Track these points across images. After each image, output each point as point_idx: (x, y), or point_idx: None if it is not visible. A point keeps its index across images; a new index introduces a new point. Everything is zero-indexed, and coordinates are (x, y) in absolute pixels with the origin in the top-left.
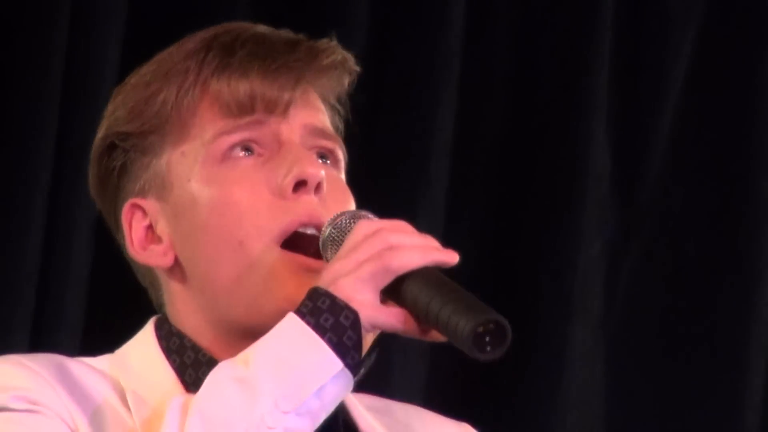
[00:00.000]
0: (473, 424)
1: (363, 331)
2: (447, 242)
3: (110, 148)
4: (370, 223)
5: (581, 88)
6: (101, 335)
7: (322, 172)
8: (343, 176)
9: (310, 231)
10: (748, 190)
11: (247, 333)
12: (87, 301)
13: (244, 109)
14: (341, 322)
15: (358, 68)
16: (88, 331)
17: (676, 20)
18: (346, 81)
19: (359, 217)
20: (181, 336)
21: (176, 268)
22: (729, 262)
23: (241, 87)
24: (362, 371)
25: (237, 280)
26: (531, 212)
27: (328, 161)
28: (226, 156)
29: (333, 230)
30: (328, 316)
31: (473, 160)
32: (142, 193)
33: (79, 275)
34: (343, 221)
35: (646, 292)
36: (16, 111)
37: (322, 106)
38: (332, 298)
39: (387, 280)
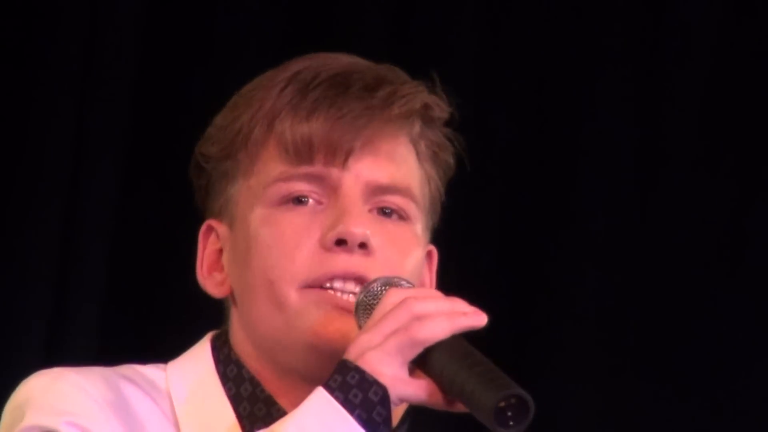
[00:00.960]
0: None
1: (392, 405)
2: (462, 247)
3: (198, 166)
4: (398, 292)
5: (595, 89)
6: (117, 336)
7: (367, 231)
8: (414, 230)
9: (339, 285)
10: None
11: (285, 369)
12: (104, 300)
13: (301, 156)
14: (370, 398)
15: (445, 114)
16: (104, 332)
17: (694, 24)
18: (433, 126)
19: (392, 284)
20: (239, 365)
21: (232, 298)
22: (739, 258)
23: (302, 132)
24: None
25: (271, 318)
26: (546, 216)
27: (393, 216)
28: (282, 201)
29: (365, 296)
30: (357, 392)
31: (484, 163)
32: (219, 216)
33: (96, 276)
34: (376, 287)
35: (652, 289)
36: (35, 111)
37: (399, 154)
38: (361, 373)
39: (414, 352)
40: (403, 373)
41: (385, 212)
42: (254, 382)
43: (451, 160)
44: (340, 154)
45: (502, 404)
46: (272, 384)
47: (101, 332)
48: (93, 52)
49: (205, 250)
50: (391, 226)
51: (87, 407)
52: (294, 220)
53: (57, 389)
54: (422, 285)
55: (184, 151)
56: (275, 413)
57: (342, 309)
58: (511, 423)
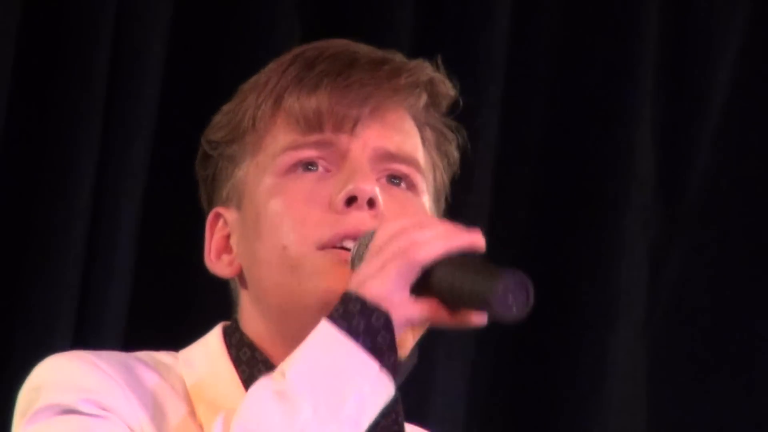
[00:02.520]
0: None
1: (396, 330)
2: (490, 249)
3: (204, 156)
4: (392, 224)
5: (625, 91)
6: (144, 326)
7: (376, 189)
8: (422, 200)
9: (350, 245)
10: None
11: (301, 336)
12: (131, 292)
13: (311, 125)
14: (373, 324)
15: (451, 91)
16: (132, 324)
17: (721, 24)
18: (439, 102)
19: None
20: (252, 347)
21: (242, 277)
22: None
23: (310, 103)
24: (404, 373)
25: (282, 281)
26: (574, 216)
27: (401, 184)
28: (291, 170)
29: (358, 247)
30: (360, 320)
31: (516, 164)
32: (226, 203)
33: (123, 266)
34: (368, 234)
35: (690, 298)
36: (62, 105)
37: (406, 126)
38: (362, 301)
39: (414, 274)
40: (405, 295)
41: (392, 181)
42: (268, 364)
43: (455, 154)
44: (348, 121)
45: (501, 289)
46: (277, 353)
47: (128, 323)
48: (120, 47)
49: (213, 237)
50: (399, 193)
51: (103, 384)
52: (303, 186)
53: (72, 368)
54: None
55: None
56: None
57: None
58: (513, 308)
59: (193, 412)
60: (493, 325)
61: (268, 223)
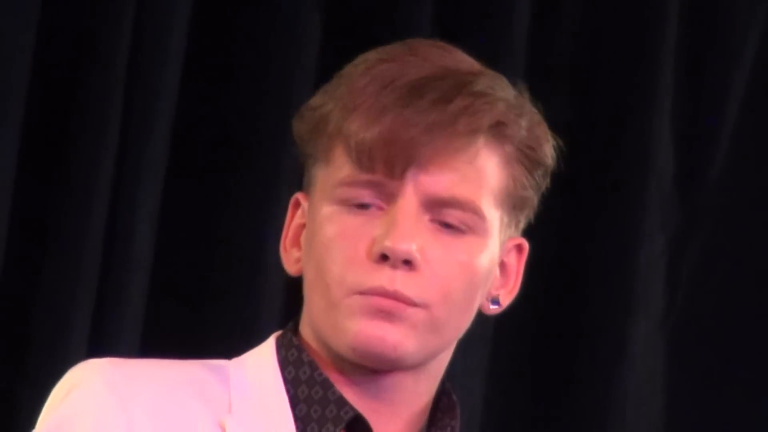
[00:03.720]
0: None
1: None
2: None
3: (296, 139)
4: None
5: (645, 83)
6: (163, 324)
7: (412, 247)
8: (477, 242)
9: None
10: None
11: (339, 357)
12: (149, 289)
13: (363, 164)
14: None
15: (522, 131)
16: (150, 321)
17: (743, 17)
18: (505, 142)
19: None
20: (300, 348)
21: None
22: None
23: (365, 140)
24: None
25: (325, 314)
26: (592, 207)
27: (452, 228)
28: (347, 203)
29: None
30: None
31: None
32: (306, 191)
33: (142, 264)
34: None
35: (709, 289)
36: (80, 100)
37: (461, 170)
38: None
39: None
40: None
41: (445, 225)
42: (313, 366)
43: (548, 160)
44: (399, 165)
45: None
46: (329, 368)
47: (146, 321)
48: (140, 42)
49: (292, 222)
50: (449, 238)
51: (113, 415)
52: (355, 224)
53: (99, 406)
54: (498, 284)
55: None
56: (330, 396)
57: (381, 313)
58: None
59: (221, 422)
60: (511, 317)
61: (320, 252)
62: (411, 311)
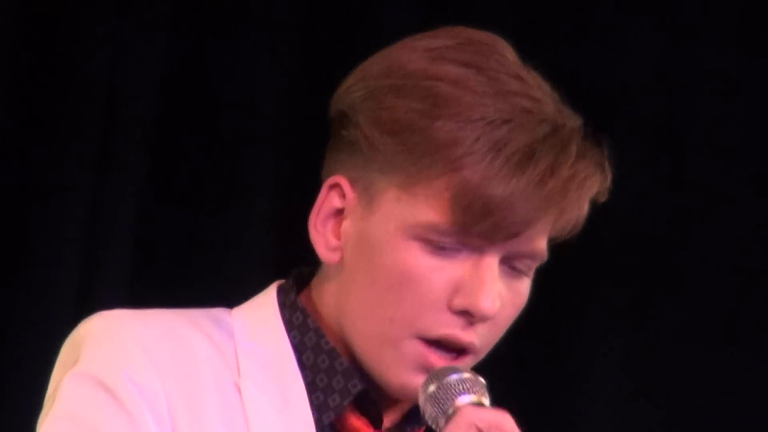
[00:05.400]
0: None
1: None
2: None
3: (345, 115)
4: (472, 415)
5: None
6: (148, 295)
7: (496, 307)
8: (529, 284)
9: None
10: None
11: (356, 356)
12: (134, 260)
13: (467, 225)
14: None
15: (605, 197)
16: (135, 294)
17: None
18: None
19: (466, 387)
20: (305, 313)
21: (338, 269)
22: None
23: (477, 206)
24: None
25: (372, 342)
26: None
27: (518, 272)
28: (426, 241)
29: (438, 390)
30: None
31: None
32: (352, 181)
33: (125, 237)
34: (451, 381)
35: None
36: (63, 79)
37: (549, 228)
38: None
39: None
40: None
41: (512, 269)
42: (319, 333)
43: (602, 186)
44: (500, 235)
45: None
46: (339, 342)
47: (132, 293)
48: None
49: (325, 201)
50: (515, 283)
51: (144, 366)
52: (432, 266)
53: (118, 339)
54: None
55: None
56: (338, 366)
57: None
58: None
59: (237, 383)
60: None
61: (386, 281)
62: (466, 360)
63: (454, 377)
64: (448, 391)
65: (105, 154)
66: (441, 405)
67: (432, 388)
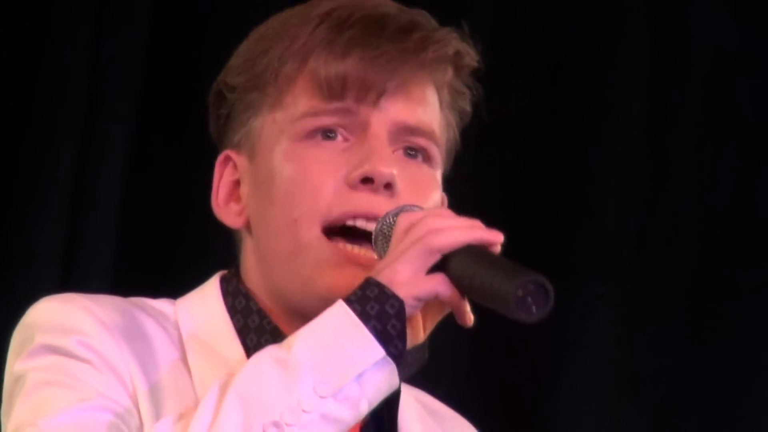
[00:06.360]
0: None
1: (408, 310)
2: (475, 195)
3: (219, 95)
4: (412, 214)
5: (614, 39)
6: (131, 277)
7: (393, 171)
8: (436, 174)
9: (361, 224)
10: None
11: (297, 310)
12: (117, 243)
13: (334, 92)
14: (386, 311)
15: (475, 63)
16: (119, 275)
17: None
18: (462, 73)
19: (404, 211)
20: (248, 297)
21: (248, 229)
22: (760, 219)
23: (336, 69)
24: (413, 365)
25: (289, 258)
26: (560, 162)
27: (418, 157)
28: (309, 136)
29: (381, 226)
30: (374, 304)
31: (502, 111)
32: (238, 147)
33: (108, 216)
34: (389, 218)
35: (678, 244)
36: (47, 60)
37: (428, 98)
38: (381, 287)
39: (432, 260)
40: (420, 276)
41: (409, 153)
42: (261, 314)
43: (468, 108)
44: (372, 92)
45: (520, 292)
46: (280, 319)
47: (115, 275)
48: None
49: (222, 179)
50: (415, 167)
51: (97, 329)
52: (320, 155)
53: (67, 311)
54: None
55: (199, 89)
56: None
57: (356, 263)
58: (533, 309)
59: (184, 359)
60: None
61: (282, 189)
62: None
63: (394, 210)
64: (392, 221)
65: (85, 151)
66: (388, 230)
67: (378, 227)
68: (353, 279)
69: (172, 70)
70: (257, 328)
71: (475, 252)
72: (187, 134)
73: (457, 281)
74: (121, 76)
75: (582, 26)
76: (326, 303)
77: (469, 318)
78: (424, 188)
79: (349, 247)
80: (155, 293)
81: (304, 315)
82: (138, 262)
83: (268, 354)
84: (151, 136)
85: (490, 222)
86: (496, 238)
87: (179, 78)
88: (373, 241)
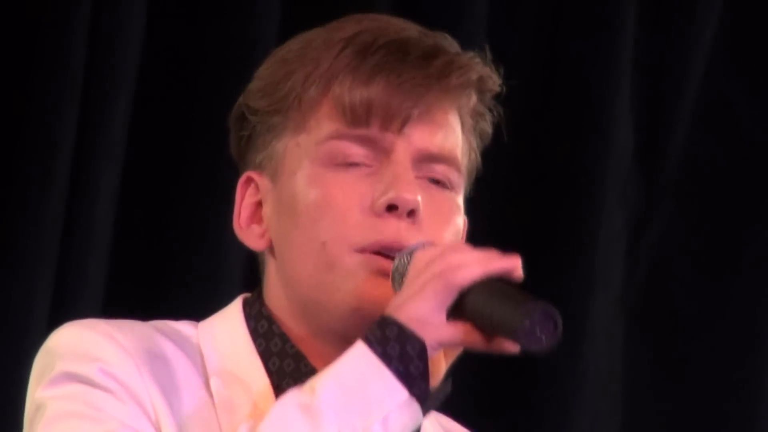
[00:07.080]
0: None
1: (430, 353)
2: (466, 216)
3: (241, 117)
4: (429, 250)
5: (605, 64)
6: (123, 303)
7: (418, 198)
8: (458, 198)
9: (387, 252)
10: None
11: (323, 328)
12: (109, 267)
13: (358, 119)
14: (408, 351)
15: (497, 87)
16: (110, 299)
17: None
18: (484, 97)
19: (420, 248)
20: (270, 320)
21: (271, 251)
22: (753, 238)
23: (361, 96)
24: (436, 401)
25: (317, 278)
26: (553, 187)
27: (440, 184)
28: (332, 160)
29: (399, 262)
30: (395, 345)
31: (494, 134)
32: (260, 168)
33: (101, 241)
34: (404, 257)
35: (668, 268)
36: (39, 78)
37: (451, 123)
38: (400, 326)
39: (451, 297)
40: (441, 318)
41: (432, 180)
42: (284, 338)
43: (489, 130)
44: (397, 119)
45: (528, 323)
46: (303, 342)
47: (107, 299)
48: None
49: (243, 201)
50: (438, 194)
51: (119, 356)
52: (345, 181)
53: (89, 337)
54: None
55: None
56: (303, 368)
57: (385, 274)
58: (543, 339)
59: (207, 385)
60: None
61: (307, 215)
62: None
63: (411, 246)
64: (403, 256)
65: (80, 155)
66: (402, 269)
67: (396, 262)
68: (383, 289)
69: (167, 90)
70: (279, 352)
71: (491, 286)
72: (182, 141)
73: (473, 317)
74: (116, 94)
75: (574, 51)
76: (355, 314)
77: (508, 347)
78: (446, 214)
79: (378, 256)
80: (151, 295)
81: (331, 332)
82: (131, 266)
83: (293, 399)
84: (144, 147)
85: (480, 237)
86: (513, 265)
87: (176, 93)
88: (391, 276)
